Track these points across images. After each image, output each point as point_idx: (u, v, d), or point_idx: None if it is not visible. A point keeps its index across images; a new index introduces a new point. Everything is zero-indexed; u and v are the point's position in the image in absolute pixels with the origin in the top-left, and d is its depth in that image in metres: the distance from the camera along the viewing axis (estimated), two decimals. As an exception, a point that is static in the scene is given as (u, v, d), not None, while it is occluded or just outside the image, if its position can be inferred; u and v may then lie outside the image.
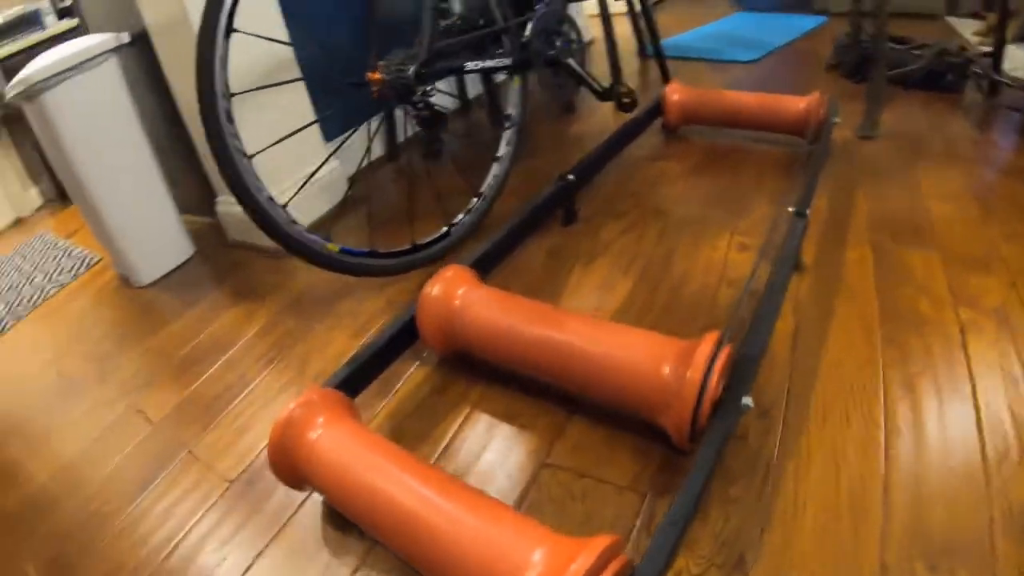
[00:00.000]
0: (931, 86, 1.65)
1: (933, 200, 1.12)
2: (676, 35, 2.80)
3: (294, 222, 0.95)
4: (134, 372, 1.27)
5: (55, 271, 2.30)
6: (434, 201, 1.40)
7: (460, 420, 0.83)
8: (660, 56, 1.82)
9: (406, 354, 0.91)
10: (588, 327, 0.72)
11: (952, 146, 1.31)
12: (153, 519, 0.87)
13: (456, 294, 0.84)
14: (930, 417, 0.70)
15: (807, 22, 2.64)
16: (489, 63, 1.13)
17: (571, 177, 1.17)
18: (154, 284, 1.68)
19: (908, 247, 0.99)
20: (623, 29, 2.25)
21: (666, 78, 1.88)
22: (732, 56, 2.30)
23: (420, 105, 0.97)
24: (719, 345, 0.63)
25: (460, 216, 1.22)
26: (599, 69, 2.26)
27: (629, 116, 1.46)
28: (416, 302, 0.86)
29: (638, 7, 2.06)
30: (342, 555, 0.69)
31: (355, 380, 0.82)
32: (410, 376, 0.94)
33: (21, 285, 2.35)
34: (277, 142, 1.12)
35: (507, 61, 1.19)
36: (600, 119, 1.77)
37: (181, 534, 0.81)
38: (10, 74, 3.35)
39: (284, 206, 0.93)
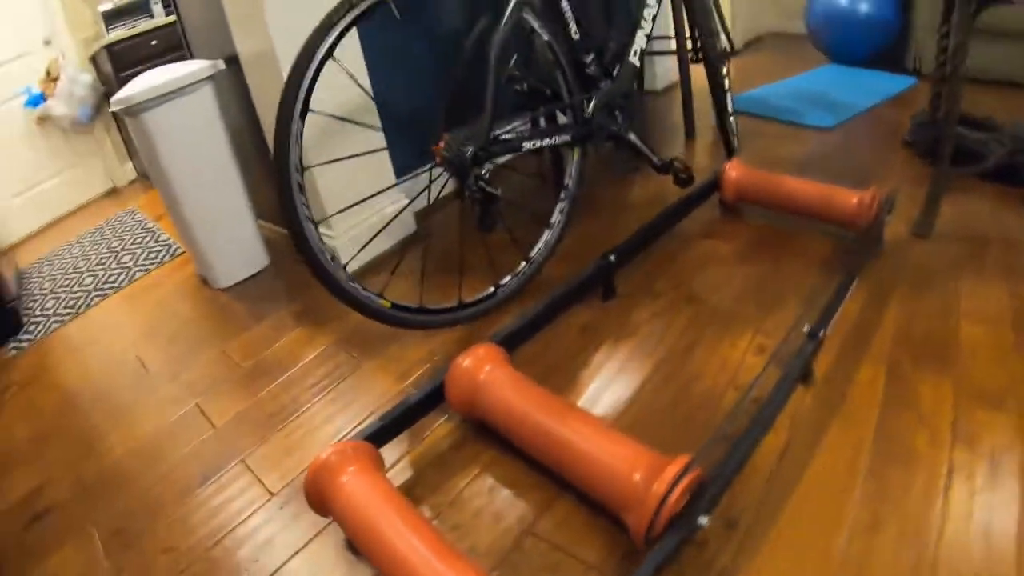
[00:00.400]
0: (1009, 180, 1.60)
1: (967, 320, 1.16)
2: (759, 87, 2.85)
3: (353, 281, 1.13)
4: (203, 374, 1.49)
5: (142, 254, 2.61)
6: (489, 252, 1.56)
7: (469, 478, 0.99)
8: (724, 129, 1.91)
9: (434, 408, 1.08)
10: (583, 425, 0.86)
11: (1010, 257, 1.33)
12: (204, 513, 1.07)
13: (483, 370, 0.99)
14: (883, 561, 0.79)
15: (895, 84, 2.63)
16: (548, 140, 1.28)
17: (612, 258, 1.30)
18: (230, 289, 1.92)
19: (924, 372, 1.06)
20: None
21: (729, 152, 1.96)
22: (809, 120, 2.35)
23: (475, 185, 1.13)
24: (688, 467, 0.75)
25: (507, 278, 1.37)
26: (675, 115, 2.36)
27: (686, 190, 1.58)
28: (448, 369, 1.02)
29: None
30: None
31: (385, 432, 0.99)
32: (435, 429, 1.10)
33: (110, 262, 2.67)
34: (352, 206, 1.31)
35: (567, 137, 1.33)
36: (661, 184, 1.88)
37: (225, 531, 1.02)
38: (116, 57, 3.76)
39: (344, 267, 1.11)
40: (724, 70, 2.07)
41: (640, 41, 1.49)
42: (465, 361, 1.01)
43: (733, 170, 1.61)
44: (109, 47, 3.72)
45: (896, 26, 2.81)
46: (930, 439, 0.94)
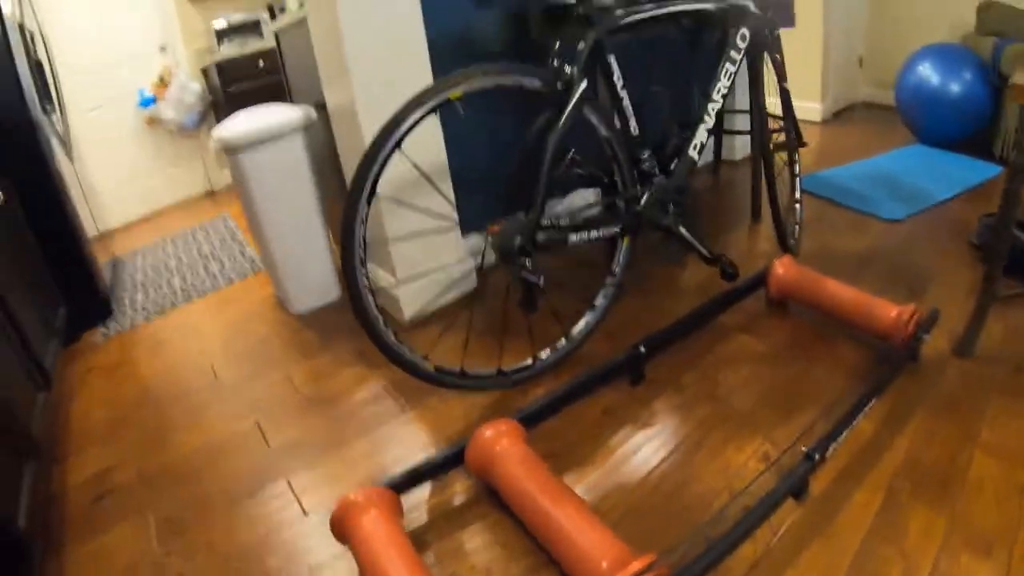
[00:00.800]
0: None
1: (983, 452, 1.20)
2: (837, 166, 2.91)
3: (401, 343, 1.33)
4: (266, 394, 1.75)
5: (229, 265, 2.93)
6: (532, 322, 1.74)
7: (473, 534, 1.17)
8: (779, 225, 1.99)
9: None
10: (571, 509, 1.03)
11: None
12: (247, 518, 1.30)
13: (500, 443, 1.17)
14: None
15: (979, 172, 2.62)
16: (595, 234, 1.45)
17: (642, 349, 1.45)
18: (302, 316, 2.18)
19: (921, 503, 1.15)
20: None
21: (785, 248, 2.04)
22: (878, 210, 2.39)
23: (520, 271, 1.31)
24: (652, 565, 0.90)
25: (547, 352, 1.55)
26: (747, 191, 2.46)
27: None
28: (471, 436, 1.21)
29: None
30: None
31: (408, 481, 1.19)
32: (453, 485, 1.28)
33: (198, 267, 3.01)
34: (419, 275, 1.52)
35: (615, 229, 1.50)
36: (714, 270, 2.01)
37: (261, 538, 1.24)
38: (224, 73, 4.16)
39: (395, 333, 1.31)
40: (794, 160, 2.18)
41: (701, 136, 1.64)
42: (486, 432, 1.19)
43: (781, 267, 1.73)
44: (219, 63, 4.14)
45: (987, 110, 2.78)
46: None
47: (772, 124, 2.17)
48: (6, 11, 2.25)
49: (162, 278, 2.99)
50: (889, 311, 1.50)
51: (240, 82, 4.17)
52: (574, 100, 1.33)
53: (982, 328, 1.49)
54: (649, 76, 2.30)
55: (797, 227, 2.17)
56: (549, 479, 1.10)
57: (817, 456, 1.14)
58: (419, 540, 1.16)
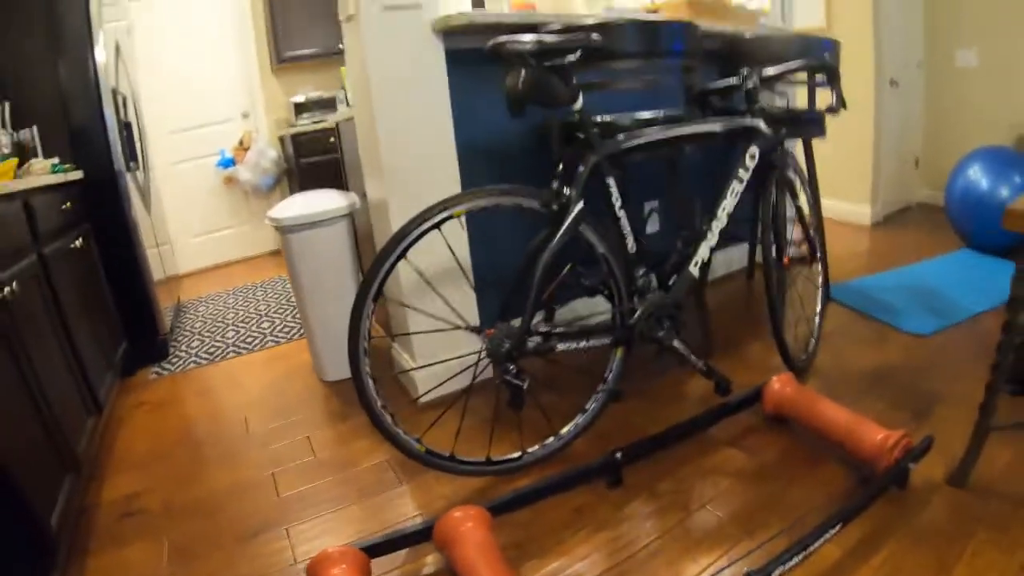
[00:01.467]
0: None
1: None
2: (875, 273, 2.96)
3: (397, 424, 1.51)
4: (287, 451, 2.00)
5: (279, 326, 3.21)
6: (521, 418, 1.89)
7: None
8: (780, 341, 2.02)
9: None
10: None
11: None
12: (245, 560, 1.50)
13: (464, 525, 1.32)
14: None
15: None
16: (583, 344, 1.61)
17: (618, 455, 1.58)
18: (332, 383, 2.41)
19: None
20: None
21: (787, 363, 2.10)
22: (904, 324, 2.44)
23: (505, 375, 1.48)
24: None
25: (535, 447, 1.70)
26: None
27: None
28: (441, 515, 1.36)
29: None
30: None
31: (381, 547, 1.37)
32: (421, 556, 1.44)
33: (251, 323, 3.29)
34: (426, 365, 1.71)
35: (605, 340, 1.66)
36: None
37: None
38: (298, 144, 4.57)
39: (392, 416, 1.50)
40: (819, 272, 2.30)
41: (703, 253, 1.79)
42: (455, 514, 1.34)
43: (777, 384, 1.83)
44: (295, 135, 4.57)
45: (1038, 215, 2.81)
46: None
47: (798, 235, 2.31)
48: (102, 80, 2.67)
49: (218, 329, 3.30)
50: (875, 435, 1.54)
51: (312, 155, 4.57)
52: (568, 221, 1.52)
53: (978, 457, 1.49)
54: (655, 192, 2.48)
55: (813, 341, 2.26)
56: (499, 566, 1.23)
57: (751, 572, 1.23)
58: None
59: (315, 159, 4.54)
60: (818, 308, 2.35)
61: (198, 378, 2.69)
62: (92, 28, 2.66)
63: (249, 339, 3.09)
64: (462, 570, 1.27)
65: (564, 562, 1.41)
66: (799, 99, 3.23)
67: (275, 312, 3.47)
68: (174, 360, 2.91)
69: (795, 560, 1.27)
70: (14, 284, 1.57)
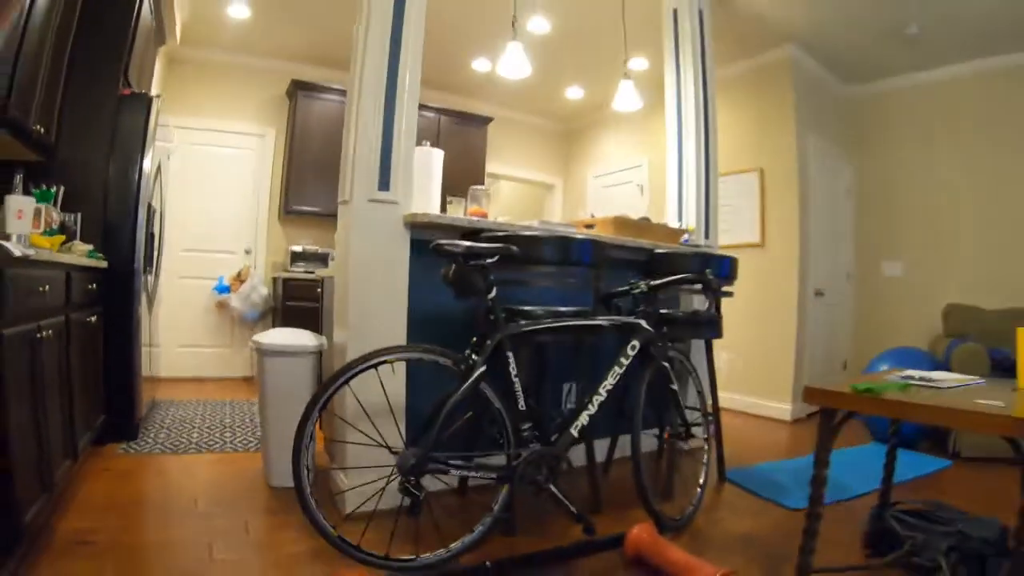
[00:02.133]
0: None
1: None
2: (774, 460, 3.50)
3: (325, 519, 2.01)
4: (226, 527, 2.45)
5: (240, 437, 3.71)
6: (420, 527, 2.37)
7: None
8: (646, 503, 2.47)
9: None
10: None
11: None
12: None
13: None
14: None
15: (920, 467, 3.09)
16: (472, 474, 2.14)
17: (487, 564, 2.06)
18: (277, 488, 2.87)
19: None
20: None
21: (657, 521, 2.57)
22: (786, 501, 2.96)
23: (406, 484, 2.01)
24: None
25: (428, 555, 2.17)
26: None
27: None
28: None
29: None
30: None
31: None
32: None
33: (215, 431, 3.78)
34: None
35: (492, 476, 2.19)
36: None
37: None
38: (287, 288, 5.43)
39: (316, 501, 2.00)
40: (703, 452, 2.84)
41: (583, 420, 2.36)
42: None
43: (637, 531, 2.32)
44: (287, 279, 5.31)
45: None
46: None
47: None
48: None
49: (184, 429, 3.80)
50: (706, 570, 2.05)
51: (297, 300, 5.28)
52: (471, 379, 2.11)
53: None
54: (553, 368, 3.06)
55: (691, 507, 2.76)
56: None
57: None
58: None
59: (299, 303, 5.24)
60: (701, 480, 2.87)
61: (159, 461, 3.18)
62: (146, 142, 3.41)
63: (211, 442, 3.57)
64: None
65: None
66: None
67: (238, 427, 3.97)
68: (141, 443, 3.41)
69: None
70: (49, 331, 2.16)
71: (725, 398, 5.17)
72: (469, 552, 2.24)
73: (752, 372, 5.27)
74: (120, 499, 2.63)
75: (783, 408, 5.05)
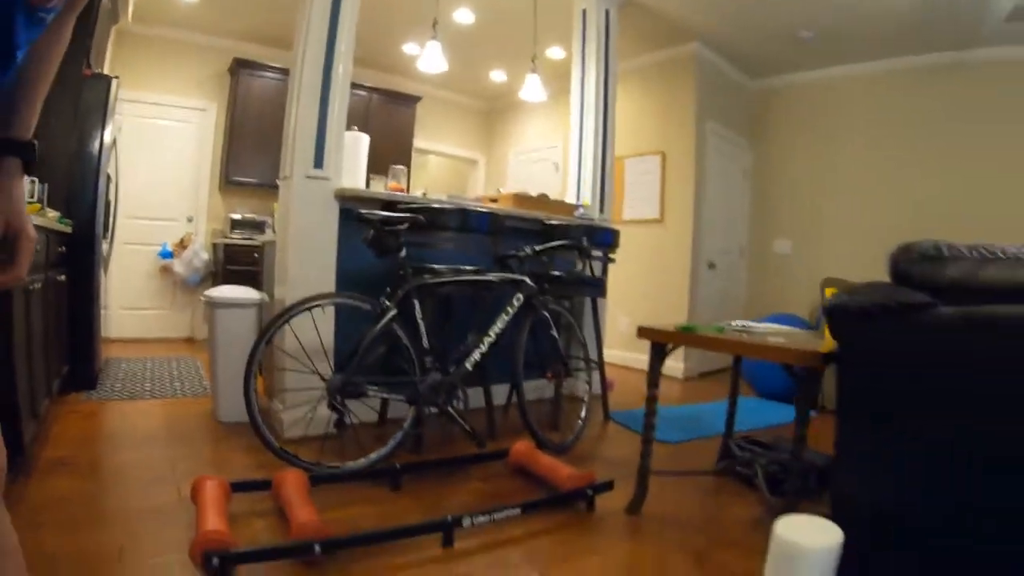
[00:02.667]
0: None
1: (605, 558, 2.21)
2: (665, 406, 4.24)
3: (264, 425, 2.63)
4: (192, 449, 2.99)
5: (189, 387, 4.27)
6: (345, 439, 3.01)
7: (262, 515, 2.38)
8: (529, 426, 3.17)
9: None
10: (299, 492, 2.27)
11: (681, 534, 2.39)
12: (140, 497, 2.46)
13: (289, 477, 2.42)
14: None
15: (781, 415, 3.85)
16: (384, 395, 2.79)
17: (397, 466, 2.72)
18: (226, 424, 3.45)
19: None
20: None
21: (537, 442, 3.25)
22: (659, 436, 3.64)
23: (333, 403, 2.65)
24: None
25: (350, 463, 2.80)
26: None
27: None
28: (278, 475, 2.46)
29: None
30: None
31: (240, 485, 2.43)
32: (257, 498, 2.51)
33: (165, 381, 4.34)
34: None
35: (401, 397, 2.85)
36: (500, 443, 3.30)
37: (142, 509, 2.42)
38: (228, 253, 5.83)
39: (262, 414, 2.62)
40: (584, 391, 3.54)
41: (476, 356, 3.03)
42: (286, 474, 2.43)
43: (518, 445, 3.00)
44: (227, 244, 5.86)
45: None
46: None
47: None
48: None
49: (137, 381, 4.33)
50: (565, 472, 2.66)
51: (236, 264, 5.83)
52: (384, 320, 2.75)
53: (643, 497, 2.55)
54: (458, 311, 3.72)
55: (573, 436, 3.46)
56: (305, 496, 2.32)
57: (451, 517, 2.28)
58: (232, 513, 2.36)
59: (239, 267, 5.80)
60: (582, 415, 3.57)
61: (119, 406, 3.72)
62: (106, 119, 3.89)
63: (163, 390, 4.13)
64: (283, 499, 2.33)
65: (350, 511, 2.51)
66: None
67: (185, 378, 4.53)
68: (100, 392, 3.93)
69: (483, 518, 2.24)
70: (38, 285, 2.67)
71: (628, 357, 5.95)
72: (384, 461, 2.88)
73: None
74: (90, 433, 3.17)
75: (676, 367, 5.83)
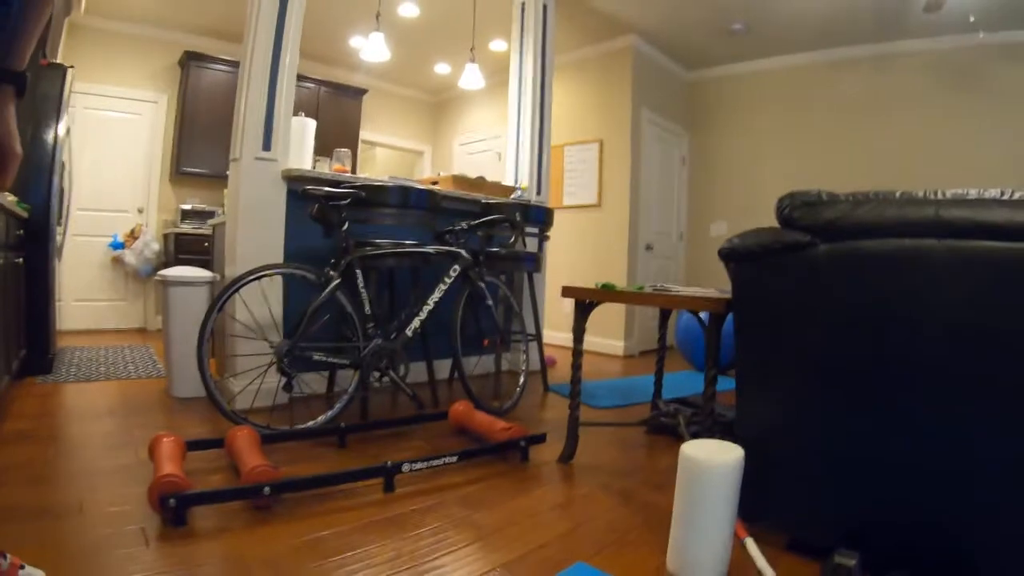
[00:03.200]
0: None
1: (538, 503, 2.44)
2: (600, 379, 4.55)
3: (217, 392, 2.80)
4: (141, 421, 3.14)
5: (143, 368, 4.40)
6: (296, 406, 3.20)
7: (211, 466, 2.57)
8: (467, 389, 3.43)
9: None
10: (251, 447, 2.47)
11: (609, 478, 2.67)
12: (104, 457, 2.65)
13: (241, 432, 2.61)
14: None
15: (728, 384, 4.10)
16: (329, 359, 2.99)
17: (343, 425, 2.92)
18: (179, 399, 3.61)
19: (470, 522, 2.57)
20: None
21: (473, 401, 3.50)
22: (593, 402, 3.96)
23: (280, 367, 2.84)
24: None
25: (299, 425, 2.99)
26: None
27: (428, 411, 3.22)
28: (229, 433, 2.64)
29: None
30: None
31: (195, 444, 2.61)
32: (209, 456, 2.70)
33: (120, 366, 4.46)
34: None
35: (345, 362, 3.05)
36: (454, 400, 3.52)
37: (98, 466, 2.60)
38: (179, 243, 6.03)
39: (216, 383, 2.80)
40: (523, 358, 3.78)
41: (416, 324, 3.24)
42: (240, 431, 2.61)
43: (457, 405, 3.21)
44: (177, 234, 5.99)
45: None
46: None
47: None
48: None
49: (92, 366, 4.45)
50: (501, 426, 2.90)
51: (187, 254, 5.95)
52: (328, 288, 2.95)
53: (573, 446, 2.79)
54: (400, 283, 3.94)
55: (511, 402, 3.69)
56: (255, 445, 2.49)
57: (390, 463, 2.48)
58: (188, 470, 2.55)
59: (190, 256, 5.93)
60: (520, 382, 3.81)
61: (76, 387, 3.83)
62: (61, 108, 4.00)
63: (117, 373, 4.25)
64: (235, 453, 2.51)
65: (299, 468, 2.71)
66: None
67: (139, 362, 4.65)
68: (56, 375, 4.05)
69: (421, 464, 2.48)
70: (2, 261, 2.81)
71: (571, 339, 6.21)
72: (331, 423, 3.08)
73: (594, 317, 6.29)
74: (49, 410, 3.28)
75: (617, 345, 6.12)
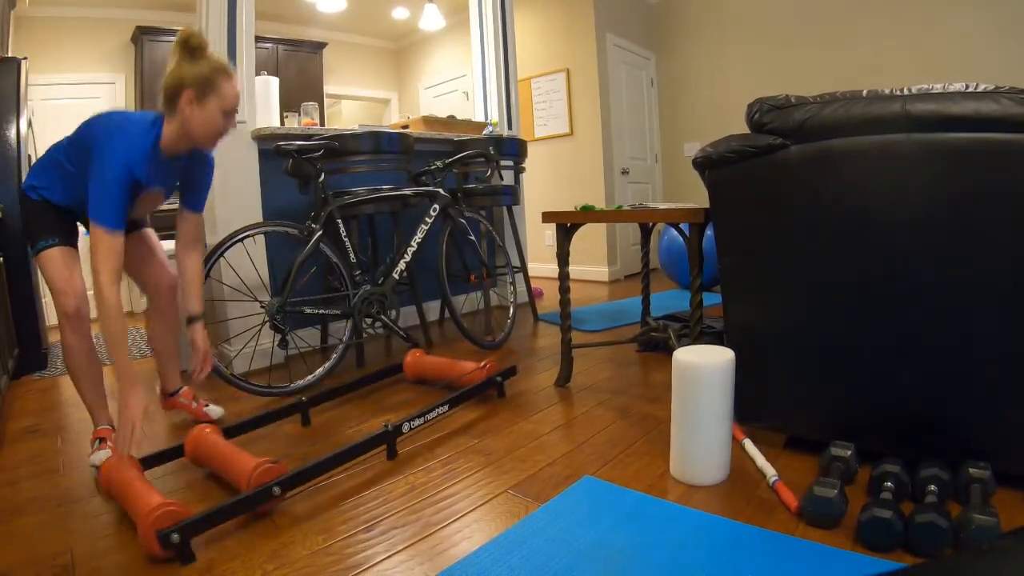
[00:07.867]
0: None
1: (540, 426, 2.45)
2: (586, 306, 4.56)
3: (224, 368, 2.80)
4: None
5: (136, 350, 4.36)
6: (292, 362, 3.21)
7: (179, 476, 2.58)
8: (460, 327, 3.38)
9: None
10: (230, 452, 2.46)
11: (606, 396, 2.67)
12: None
13: (202, 431, 2.60)
14: None
15: (715, 299, 4.15)
16: (321, 311, 2.98)
17: (303, 399, 2.93)
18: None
19: (476, 451, 2.59)
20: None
21: (466, 335, 3.43)
22: (582, 326, 3.99)
23: (274, 323, 2.83)
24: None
25: (299, 382, 2.98)
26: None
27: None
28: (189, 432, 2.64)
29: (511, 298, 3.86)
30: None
31: (154, 459, 2.61)
32: (171, 468, 2.70)
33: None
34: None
35: (337, 312, 3.04)
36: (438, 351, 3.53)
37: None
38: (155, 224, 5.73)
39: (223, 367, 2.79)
40: (510, 289, 3.78)
41: (401, 266, 3.23)
42: (198, 431, 2.47)
43: (410, 356, 3.03)
44: (152, 212, 5.81)
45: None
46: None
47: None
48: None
49: (85, 353, 4.40)
50: (468, 368, 2.75)
51: (166, 228, 5.80)
52: (312, 241, 2.91)
53: (568, 371, 2.84)
54: (383, 229, 3.93)
55: (504, 334, 3.71)
56: (220, 442, 2.34)
57: (390, 427, 2.30)
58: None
59: (169, 232, 5.76)
60: (510, 315, 3.82)
61: (70, 381, 3.81)
62: (20, 102, 3.85)
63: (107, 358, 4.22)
64: (210, 457, 2.14)
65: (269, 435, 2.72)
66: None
67: (132, 345, 4.63)
68: (52, 370, 4.00)
69: (419, 421, 2.29)
70: None
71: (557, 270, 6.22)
72: (328, 377, 3.06)
73: (575, 243, 6.29)
74: (50, 404, 3.23)
75: (602, 271, 6.14)
